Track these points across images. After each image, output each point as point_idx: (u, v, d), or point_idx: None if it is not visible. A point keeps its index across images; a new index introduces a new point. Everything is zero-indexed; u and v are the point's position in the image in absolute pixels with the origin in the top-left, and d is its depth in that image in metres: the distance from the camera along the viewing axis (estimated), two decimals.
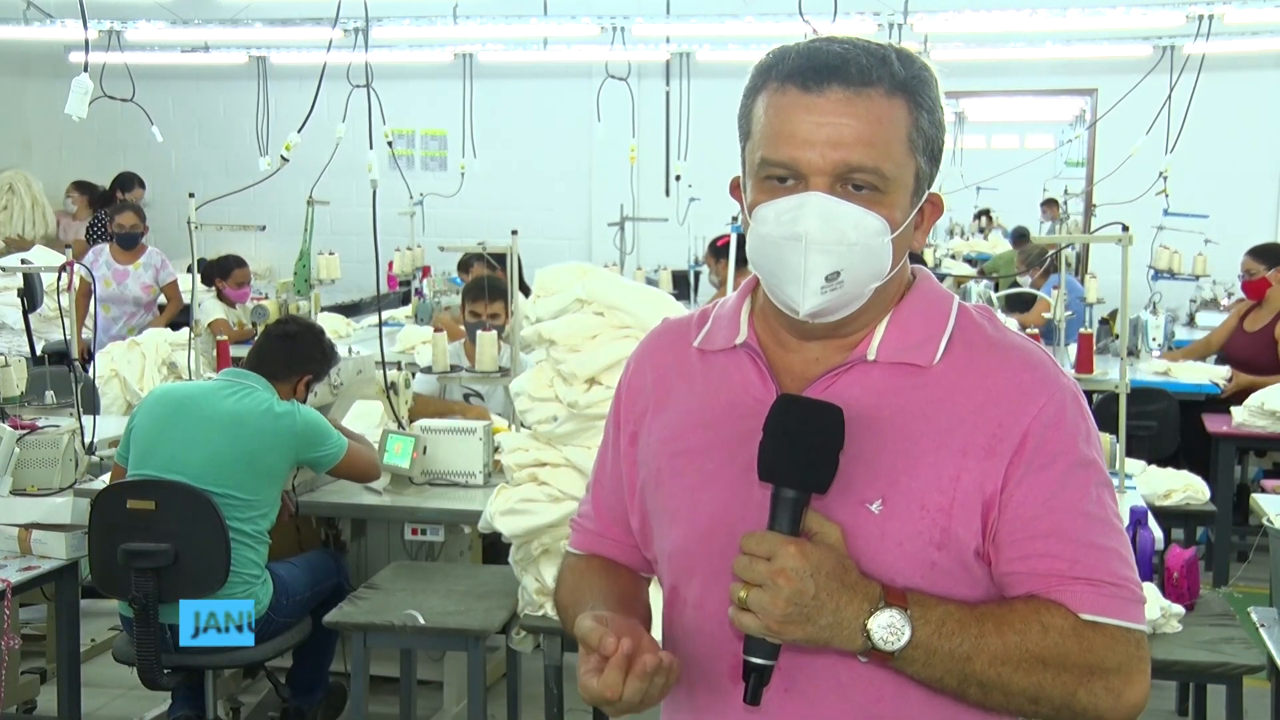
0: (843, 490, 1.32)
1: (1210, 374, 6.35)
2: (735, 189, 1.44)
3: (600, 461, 1.61)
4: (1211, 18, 7.28)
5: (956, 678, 1.30)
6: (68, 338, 4.61)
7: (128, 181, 9.43)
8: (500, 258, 4.98)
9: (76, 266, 4.64)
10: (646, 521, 1.52)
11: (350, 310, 8.51)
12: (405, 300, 8.50)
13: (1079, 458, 1.37)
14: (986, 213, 13.93)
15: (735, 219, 4.57)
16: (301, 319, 4.61)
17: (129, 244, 7.07)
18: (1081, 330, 5.87)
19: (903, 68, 1.34)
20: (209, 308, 6.85)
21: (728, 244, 5.23)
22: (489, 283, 5.16)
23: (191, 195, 5.12)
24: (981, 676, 1.30)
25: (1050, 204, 13.34)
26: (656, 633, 1.45)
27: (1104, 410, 5.67)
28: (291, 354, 3.88)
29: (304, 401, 3.89)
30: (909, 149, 1.34)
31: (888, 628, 1.28)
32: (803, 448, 1.29)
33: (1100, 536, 1.37)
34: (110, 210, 7.96)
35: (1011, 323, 6.06)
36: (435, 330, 4.84)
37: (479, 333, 4.59)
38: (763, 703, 1.33)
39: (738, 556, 1.29)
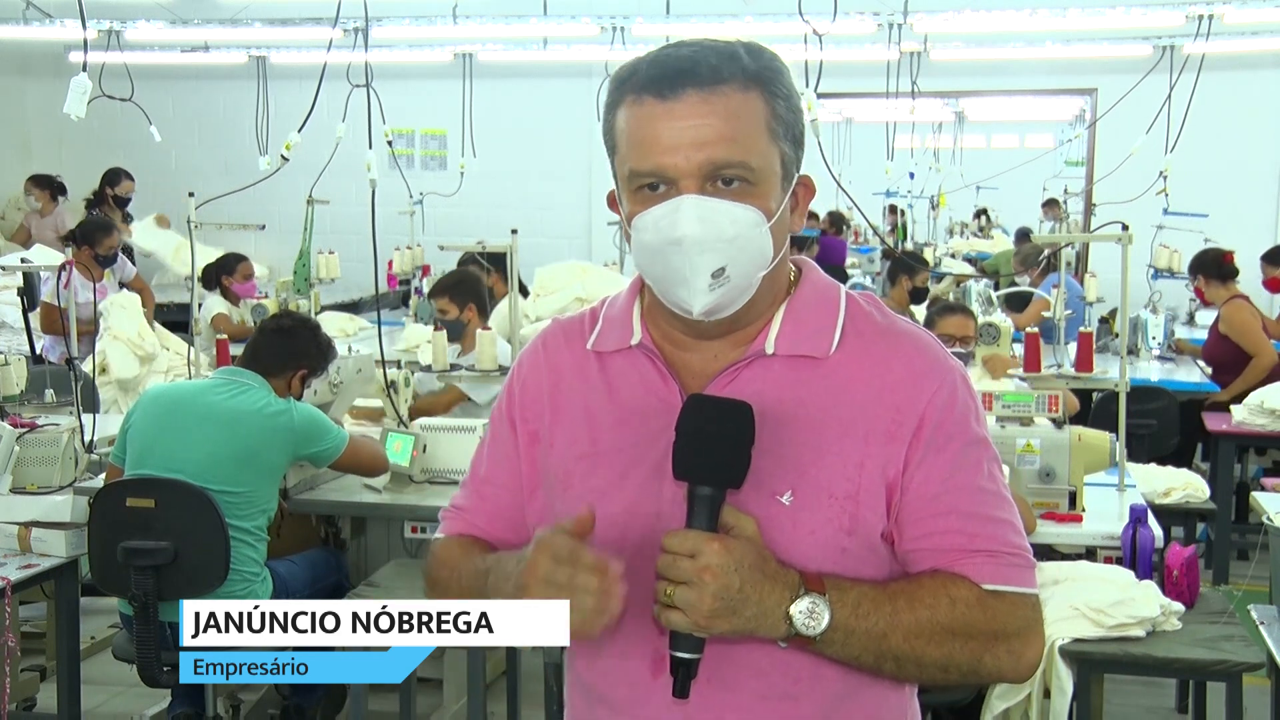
0: (753, 484, 1.35)
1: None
2: (612, 202, 1.47)
3: (489, 458, 1.59)
4: (1211, 18, 7.27)
5: (873, 655, 1.36)
6: (68, 336, 4.60)
7: (115, 177, 9.34)
8: (500, 257, 4.99)
9: (67, 289, 4.56)
10: (547, 523, 1.49)
11: (349, 309, 8.51)
12: (405, 300, 8.50)
13: (971, 436, 1.43)
14: (984, 212, 13.95)
15: None
16: (297, 314, 4.60)
17: (109, 264, 6.93)
18: (1081, 329, 5.87)
19: (752, 61, 1.37)
20: (211, 304, 6.86)
21: None
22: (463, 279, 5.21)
23: (191, 195, 5.12)
24: (897, 651, 1.36)
25: (1051, 204, 13.35)
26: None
27: (1104, 409, 5.69)
28: (287, 348, 3.87)
29: (300, 397, 3.88)
30: (771, 137, 1.38)
31: (808, 613, 1.32)
32: (717, 446, 1.33)
33: (995, 509, 1.43)
34: (97, 230, 7.66)
35: (1001, 319, 5.99)
36: (436, 330, 4.85)
37: (479, 332, 4.60)
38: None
39: (661, 556, 1.31)
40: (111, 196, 9.13)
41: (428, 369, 4.84)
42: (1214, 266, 6.61)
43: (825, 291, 1.48)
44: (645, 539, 1.38)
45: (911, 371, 1.41)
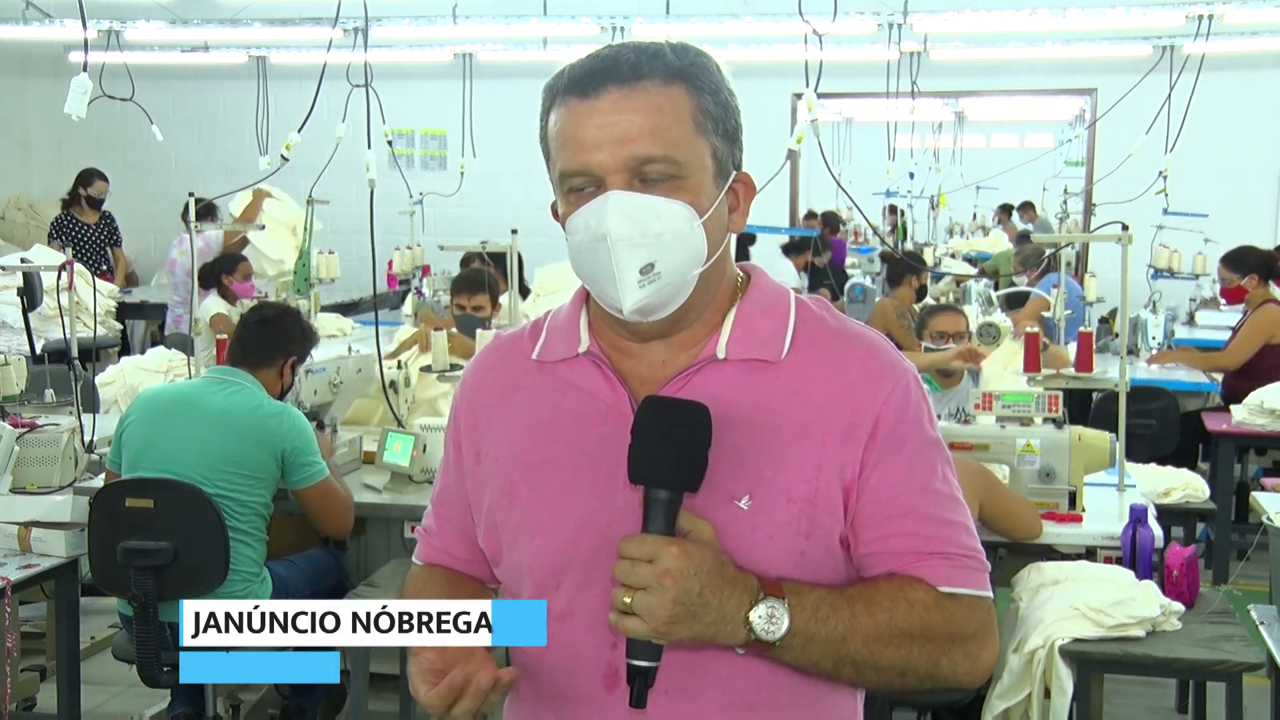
0: (710, 489, 1.33)
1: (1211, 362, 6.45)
2: (555, 210, 1.46)
3: (443, 478, 1.60)
4: (1211, 18, 7.28)
5: (832, 660, 1.34)
6: (67, 336, 4.60)
7: (88, 177, 9.42)
8: (499, 256, 5.00)
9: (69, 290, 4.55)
10: (496, 538, 1.50)
11: (349, 309, 8.51)
12: (405, 300, 8.49)
13: (925, 438, 1.42)
14: (1009, 208, 14.00)
15: None
16: (276, 303, 4.59)
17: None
18: (1081, 329, 5.87)
19: (676, 58, 1.36)
20: (209, 304, 6.85)
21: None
22: (471, 275, 5.27)
23: (191, 194, 5.12)
24: (855, 656, 1.34)
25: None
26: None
27: (1104, 409, 5.68)
28: (272, 337, 3.86)
29: (292, 386, 3.88)
30: (697, 131, 1.36)
31: (767, 618, 1.30)
32: (674, 448, 1.31)
33: (949, 511, 1.42)
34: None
35: (1001, 319, 6.00)
36: (436, 329, 4.85)
37: (478, 331, 4.60)
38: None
39: (618, 562, 1.29)
40: (85, 197, 9.21)
41: (427, 369, 4.84)
42: (1265, 266, 6.42)
43: (775, 296, 1.47)
44: (597, 548, 1.37)
45: (865, 374, 1.40)
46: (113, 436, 3.82)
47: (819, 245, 9.87)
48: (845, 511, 1.39)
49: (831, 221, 11.86)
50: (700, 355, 1.42)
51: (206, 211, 7.59)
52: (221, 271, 7.05)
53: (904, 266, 7.30)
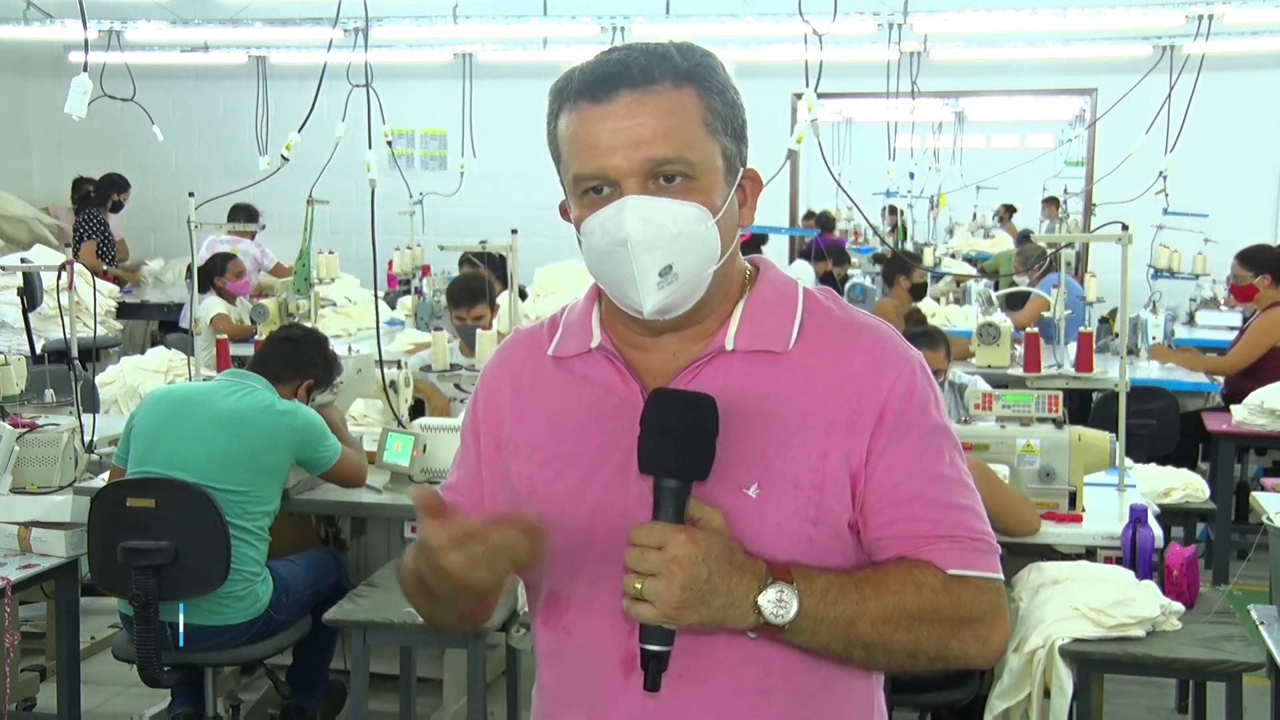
0: (719, 477, 1.37)
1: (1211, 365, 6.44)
2: (564, 212, 1.48)
3: (457, 469, 1.62)
4: (1211, 18, 7.28)
5: (842, 642, 1.37)
6: (67, 336, 4.60)
7: (123, 183, 9.59)
8: (493, 256, 5.00)
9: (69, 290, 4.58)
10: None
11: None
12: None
13: (932, 425, 1.45)
14: (1011, 208, 13.99)
15: None
16: (306, 325, 4.64)
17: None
18: (1081, 329, 5.87)
19: (684, 59, 1.39)
20: (210, 304, 6.85)
21: (746, 240, 5.27)
22: (467, 284, 5.24)
23: (191, 194, 5.12)
24: (865, 638, 1.37)
25: (1051, 202, 13.39)
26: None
27: (1104, 409, 5.69)
28: (295, 357, 3.90)
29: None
30: (708, 132, 1.39)
31: (776, 602, 1.33)
32: (681, 438, 1.34)
33: (957, 496, 1.45)
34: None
35: (1001, 319, 5.97)
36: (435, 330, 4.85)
37: (478, 331, 4.60)
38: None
39: (628, 549, 1.32)
40: (114, 202, 9.36)
41: (427, 369, 4.84)
42: (1278, 266, 6.38)
43: (782, 288, 1.50)
44: (612, 540, 1.39)
45: (871, 362, 1.43)
46: (120, 433, 3.83)
47: (842, 255, 9.89)
48: (853, 498, 1.42)
49: (825, 221, 11.86)
50: (709, 347, 1.45)
51: (252, 215, 7.79)
52: (213, 274, 7.05)
53: (896, 266, 7.30)
